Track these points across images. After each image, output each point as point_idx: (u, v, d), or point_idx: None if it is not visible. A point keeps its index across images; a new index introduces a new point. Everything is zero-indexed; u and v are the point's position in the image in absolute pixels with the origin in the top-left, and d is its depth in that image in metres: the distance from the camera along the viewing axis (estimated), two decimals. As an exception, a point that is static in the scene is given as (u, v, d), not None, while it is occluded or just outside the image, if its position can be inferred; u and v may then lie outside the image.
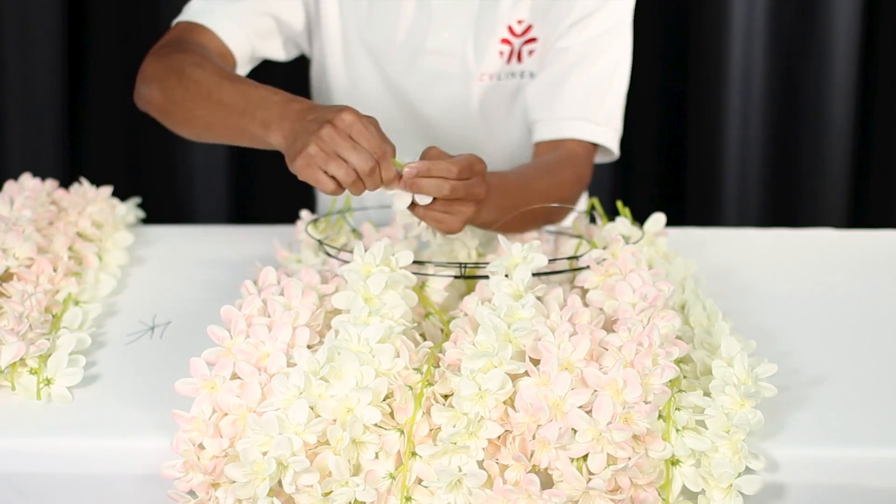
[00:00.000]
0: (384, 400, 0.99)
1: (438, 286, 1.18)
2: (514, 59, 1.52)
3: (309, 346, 1.06)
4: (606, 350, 1.01)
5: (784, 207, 2.42)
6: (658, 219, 1.34)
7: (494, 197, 1.25)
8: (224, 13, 1.46)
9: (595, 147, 1.51)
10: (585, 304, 1.12)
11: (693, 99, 2.34)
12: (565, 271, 1.22)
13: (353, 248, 1.14)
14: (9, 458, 1.01)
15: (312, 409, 0.97)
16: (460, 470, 0.95)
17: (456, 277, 1.20)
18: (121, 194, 1.52)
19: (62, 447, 1.01)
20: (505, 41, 1.52)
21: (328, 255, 1.26)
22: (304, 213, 1.40)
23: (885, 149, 2.40)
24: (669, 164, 2.43)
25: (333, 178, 1.12)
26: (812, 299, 1.33)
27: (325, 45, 1.57)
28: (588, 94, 1.49)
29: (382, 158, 1.12)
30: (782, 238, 1.56)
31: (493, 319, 1.01)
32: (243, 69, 1.50)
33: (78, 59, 2.29)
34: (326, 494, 0.95)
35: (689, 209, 2.37)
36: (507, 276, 1.11)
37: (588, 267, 1.17)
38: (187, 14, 1.47)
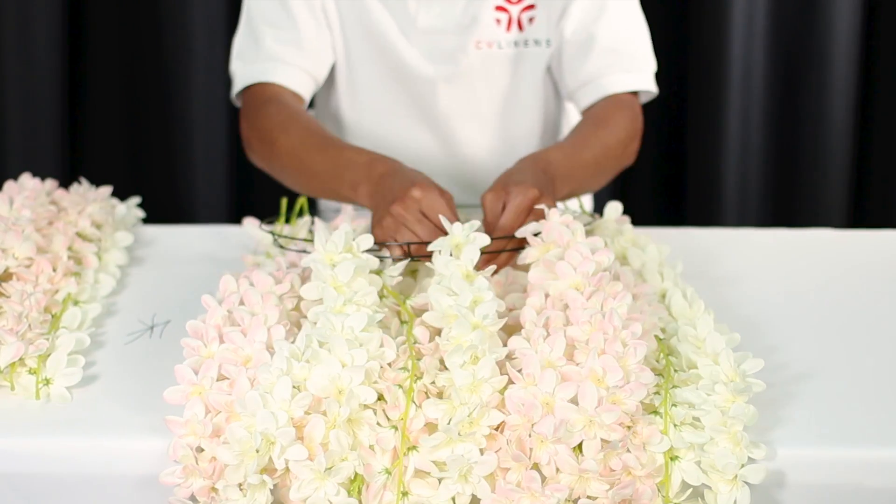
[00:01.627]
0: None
1: (394, 272, 1.18)
2: (515, 27, 1.56)
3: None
4: (576, 348, 1.02)
5: (784, 207, 2.42)
6: (615, 207, 1.36)
7: (559, 169, 1.33)
8: (279, 62, 1.54)
9: (636, 95, 1.57)
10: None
11: (693, 99, 2.34)
12: (507, 250, 1.22)
13: (302, 239, 1.20)
14: (8, 459, 1.01)
15: (297, 388, 0.97)
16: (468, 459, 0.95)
17: (410, 259, 1.21)
18: (121, 194, 1.52)
19: (62, 448, 1.01)
20: (500, 8, 1.55)
21: (282, 247, 1.27)
22: (247, 221, 1.42)
23: (885, 149, 2.40)
24: (669, 164, 2.43)
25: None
26: (813, 300, 1.33)
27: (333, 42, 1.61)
28: (614, 48, 1.54)
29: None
30: (782, 238, 1.56)
31: (461, 311, 1.03)
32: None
33: (78, 60, 2.29)
34: (329, 468, 0.94)
35: (689, 209, 2.37)
36: (451, 255, 1.12)
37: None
38: (244, 76, 1.55)
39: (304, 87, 1.56)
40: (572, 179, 1.37)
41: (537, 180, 1.26)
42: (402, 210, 1.22)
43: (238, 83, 1.57)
